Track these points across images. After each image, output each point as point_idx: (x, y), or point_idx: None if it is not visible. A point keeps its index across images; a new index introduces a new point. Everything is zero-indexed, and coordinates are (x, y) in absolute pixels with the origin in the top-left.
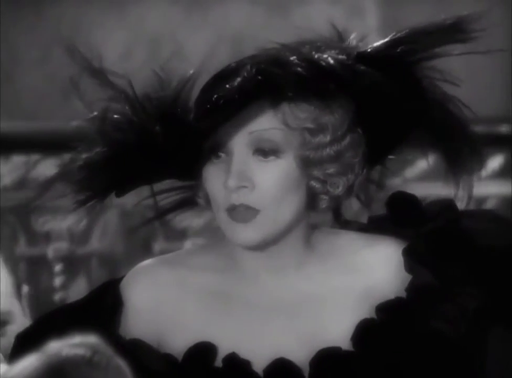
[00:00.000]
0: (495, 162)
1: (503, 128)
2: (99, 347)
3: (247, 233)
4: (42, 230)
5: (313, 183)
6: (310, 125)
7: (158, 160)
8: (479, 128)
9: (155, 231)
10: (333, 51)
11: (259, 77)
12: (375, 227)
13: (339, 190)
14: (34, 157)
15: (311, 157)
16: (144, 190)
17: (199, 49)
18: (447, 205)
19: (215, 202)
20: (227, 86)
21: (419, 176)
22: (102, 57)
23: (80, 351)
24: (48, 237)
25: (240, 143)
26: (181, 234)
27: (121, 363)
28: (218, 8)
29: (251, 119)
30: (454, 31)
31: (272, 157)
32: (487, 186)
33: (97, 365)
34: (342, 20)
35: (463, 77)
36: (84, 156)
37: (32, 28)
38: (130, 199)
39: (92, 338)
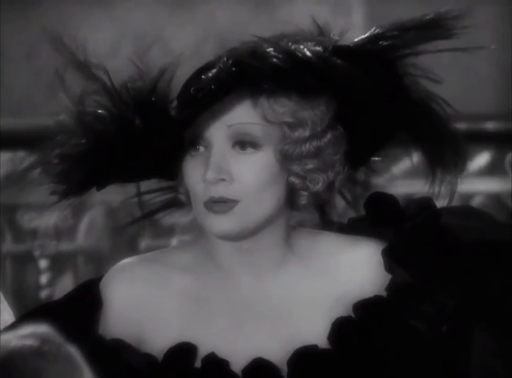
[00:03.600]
0: (482, 159)
1: (490, 125)
2: (48, 336)
3: (225, 223)
4: (28, 227)
5: (293, 178)
6: (289, 120)
7: (137, 152)
8: (465, 125)
9: (141, 228)
10: (310, 43)
11: (234, 68)
12: (355, 227)
13: (318, 187)
14: (20, 154)
15: (290, 151)
16: (130, 188)
17: (185, 46)
18: (425, 203)
19: (194, 196)
20: (203, 77)
21: (405, 173)
22: (86, 50)
23: (28, 341)
24: (34, 234)
25: (218, 136)
26: (167, 232)
27: (72, 351)
28: (204, 6)
29: (230, 113)
30: (434, 28)
31: (250, 150)
32: (474, 183)
33: (46, 354)
34: (328, 18)
35: (450, 74)
36: (62, 148)
37: (19, 25)
38: (116, 196)
39: (42, 328)
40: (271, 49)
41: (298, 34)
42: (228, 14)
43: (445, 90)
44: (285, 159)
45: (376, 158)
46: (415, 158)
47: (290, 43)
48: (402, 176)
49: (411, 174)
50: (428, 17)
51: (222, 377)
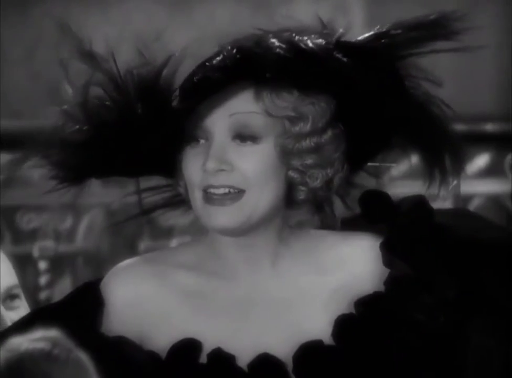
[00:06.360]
0: (481, 161)
1: (489, 127)
2: (59, 340)
3: (224, 216)
4: (28, 228)
5: (292, 173)
6: (290, 113)
7: (138, 140)
8: (464, 127)
9: (141, 229)
10: (313, 36)
11: (238, 55)
12: (348, 226)
13: (317, 182)
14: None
15: (290, 146)
16: (129, 189)
17: (184, 47)
18: (418, 201)
19: (191, 185)
20: (207, 64)
21: (404, 175)
22: (92, 40)
23: (39, 345)
24: (33, 235)
25: (220, 127)
26: (167, 233)
27: (82, 356)
28: (203, 7)
29: (232, 103)
30: (436, 28)
31: (249, 143)
32: (473, 185)
33: (56, 358)
34: (327, 18)
35: (450, 76)
36: (64, 134)
37: (19, 25)
38: (115, 198)
39: (52, 332)
40: (275, 39)
41: (302, 28)
42: (227, 15)
43: (445, 92)
44: (285, 153)
45: (374, 164)
46: (414, 159)
47: (294, 35)
48: (401, 178)
49: (410, 175)
50: (430, 17)
51: (228, 373)
